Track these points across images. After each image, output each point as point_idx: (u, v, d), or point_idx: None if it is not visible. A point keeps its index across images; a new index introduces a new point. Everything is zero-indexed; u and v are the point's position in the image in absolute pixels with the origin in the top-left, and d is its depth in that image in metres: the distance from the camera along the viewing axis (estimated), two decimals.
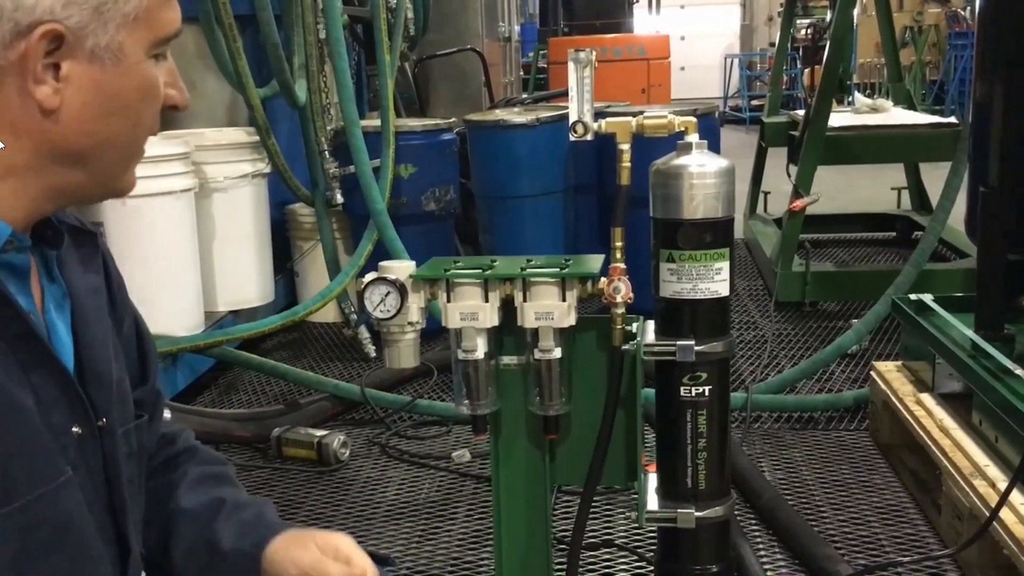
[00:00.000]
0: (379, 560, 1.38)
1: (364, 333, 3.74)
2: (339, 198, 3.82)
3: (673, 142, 1.39)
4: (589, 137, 1.40)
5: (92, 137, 0.97)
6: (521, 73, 10.31)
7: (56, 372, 0.97)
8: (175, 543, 1.20)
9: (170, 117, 4.19)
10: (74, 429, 0.98)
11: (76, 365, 1.02)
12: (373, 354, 3.68)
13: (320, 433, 2.87)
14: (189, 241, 3.37)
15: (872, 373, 2.85)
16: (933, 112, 5.68)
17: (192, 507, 1.21)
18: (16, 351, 0.93)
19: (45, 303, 1.02)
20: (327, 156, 3.82)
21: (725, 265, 1.37)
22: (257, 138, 3.66)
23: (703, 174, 1.35)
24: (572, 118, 1.39)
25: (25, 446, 0.91)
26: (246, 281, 3.76)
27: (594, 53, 1.40)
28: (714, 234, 1.36)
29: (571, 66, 1.37)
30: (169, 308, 3.21)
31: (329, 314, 4.12)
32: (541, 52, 10.66)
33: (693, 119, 1.39)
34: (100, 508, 1.02)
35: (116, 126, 0.98)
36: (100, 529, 1.02)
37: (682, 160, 1.36)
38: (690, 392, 1.40)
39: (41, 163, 0.95)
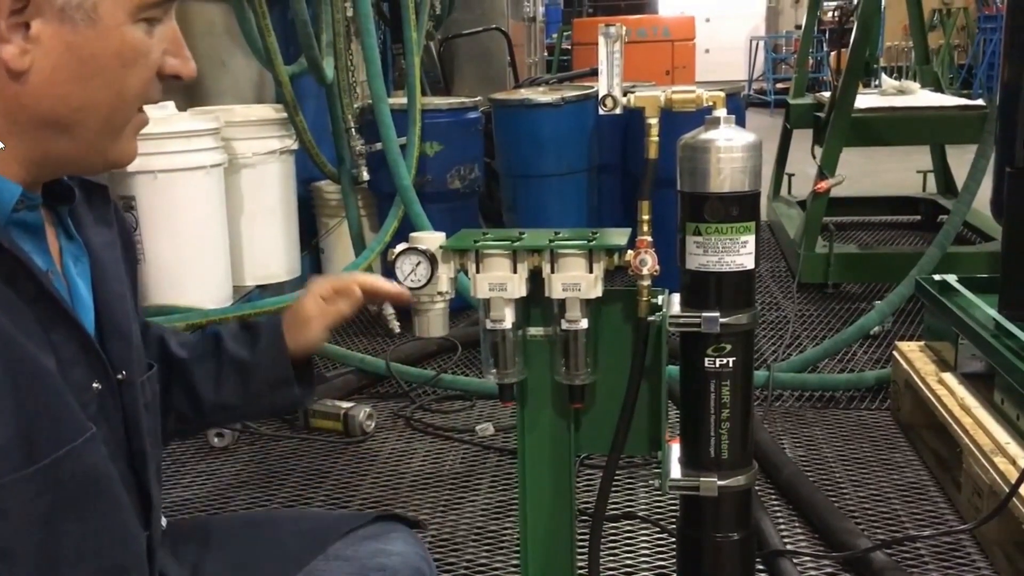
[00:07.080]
0: (407, 523, 1.41)
1: (388, 309, 3.77)
2: (365, 175, 3.86)
3: (699, 121, 1.40)
4: (618, 111, 1.41)
5: (67, 102, 0.92)
6: (545, 54, 10.31)
7: (75, 330, 0.96)
8: (199, 382, 1.27)
9: (198, 93, 4.18)
10: (94, 385, 0.99)
11: (96, 320, 1.02)
12: (398, 330, 3.71)
13: (346, 405, 2.91)
14: (218, 216, 3.42)
15: (894, 353, 2.86)
16: (961, 96, 5.62)
17: (191, 355, 1.28)
18: (35, 311, 0.92)
19: (64, 260, 1.02)
20: (353, 133, 3.85)
21: (751, 238, 1.38)
22: (285, 115, 3.70)
23: (730, 148, 1.36)
24: (602, 92, 1.40)
25: (48, 405, 0.91)
26: (273, 256, 3.82)
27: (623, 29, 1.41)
28: (740, 207, 1.36)
29: (601, 40, 1.38)
30: (198, 281, 3.27)
31: None
32: (565, 33, 10.65)
33: (721, 94, 1.39)
34: (122, 460, 1.03)
35: (95, 92, 0.93)
36: (124, 480, 1.03)
37: (710, 134, 1.37)
38: (714, 363, 1.41)
39: (20, 128, 0.92)
